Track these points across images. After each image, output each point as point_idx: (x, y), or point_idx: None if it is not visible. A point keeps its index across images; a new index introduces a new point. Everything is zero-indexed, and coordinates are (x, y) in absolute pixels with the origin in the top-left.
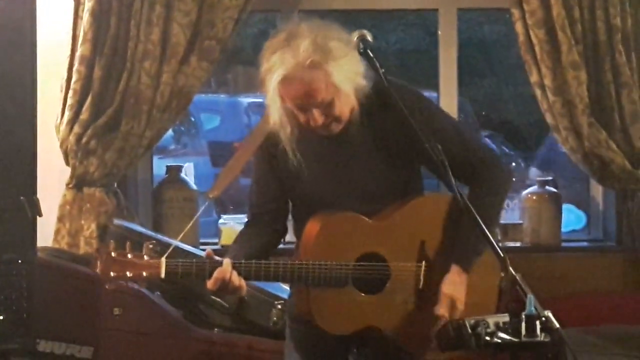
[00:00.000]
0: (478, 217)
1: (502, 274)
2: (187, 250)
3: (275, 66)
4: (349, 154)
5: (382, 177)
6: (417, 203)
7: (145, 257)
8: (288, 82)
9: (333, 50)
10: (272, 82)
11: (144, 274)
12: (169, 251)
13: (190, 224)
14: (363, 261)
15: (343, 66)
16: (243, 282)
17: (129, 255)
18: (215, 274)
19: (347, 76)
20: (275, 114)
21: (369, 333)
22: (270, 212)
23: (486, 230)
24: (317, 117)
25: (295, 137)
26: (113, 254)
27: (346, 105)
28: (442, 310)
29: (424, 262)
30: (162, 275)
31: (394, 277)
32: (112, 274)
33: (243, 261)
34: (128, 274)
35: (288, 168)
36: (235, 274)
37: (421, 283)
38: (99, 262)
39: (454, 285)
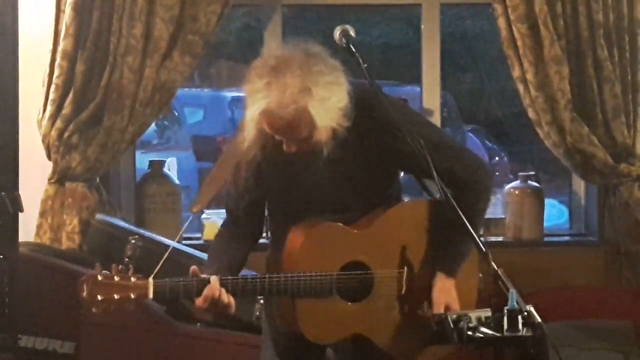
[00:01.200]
0: (462, 216)
1: (481, 275)
2: (183, 251)
3: (259, 95)
4: (326, 166)
5: (359, 186)
6: (397, 210)
7: (132, 279)
8: (269, 114)
9: (320, 92)
10: (254, 108)
11: (132, 295)
12: (158, 268)
13: (176, 239)
14: (347, 270)
15: (327, 107)
16: (232, 300)
17: (116, 278)
18: (205, 291)
19: (330, 116)
20: (249, 138)
21: (354, 340)
22: (249, 216)
23: (469, 226)
24: (291, 147)
25: (256, 160)
26: (99, 278)
27: (322, 136)
28: (438, 312)
29: (405, 268)
30: (150, 296)
31: (377, 284)
32: (99, 297)
33: (230, 277)
34: (115, 296)
35: (268, 179)
36: (223, 291)
37: (403, 289)
38: (85, 287)
39: (445, 291)
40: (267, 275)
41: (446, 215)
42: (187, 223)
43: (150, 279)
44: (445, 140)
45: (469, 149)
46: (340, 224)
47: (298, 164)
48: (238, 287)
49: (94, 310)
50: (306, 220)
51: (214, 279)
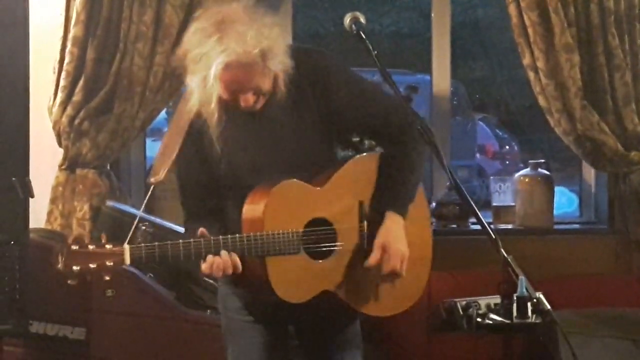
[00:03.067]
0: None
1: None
2: (174, 230)
3: (215, 51)
4: (273, 129)
5: (306, 146)
6: (351, 165)
7: (107, 246)
8: (230, 67)
9: (271, 36)
10: (213, 67)
11: (108, 263)
12: (129, 235)
13: (143, 205)
14: (311, 227)
15: (276, 50)
16: (237, 260)
17: (90, 247)
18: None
19: (280, 59)
20: (210, 100)
21: (321, 297)
22: (210, 209)
23: (476, 210)
24: (250, 98)
25: (222, 121)
26: (74, 247)
27: (272, 81)
28: (371, 260)
29: (365, 222)
30: (127, 262)
31: (340, 240)
32: (74, 268)
33: (228, 236)
34: (91, 265)
35: (215, 152)
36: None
37: (365, 242)
38: (59, 258)
39: (388, 232)
40: (245, 235)
41: (390, 161)
42: (149, 194)
43: (126, 245)
44: (376, 95)
45: (397, 104)
46: (302, 182)
47: (251, 124)
48: (219, 248)
49: (69, 282)
50: (260, 186)
51: (201, 231)
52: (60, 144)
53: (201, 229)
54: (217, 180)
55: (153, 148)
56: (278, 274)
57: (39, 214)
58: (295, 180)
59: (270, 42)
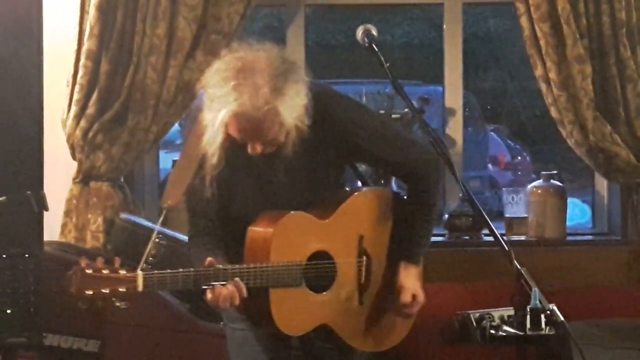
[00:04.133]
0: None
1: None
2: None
3: (228, 98)
4: (280, 167)
5: (316, 181)
6: (355, 199)
7: (121, 271)
8: (238, 118)
9: (288, 92)
10: (222, 113)
11: (121, 289)
12: (142, 261)
13: (158, 224)
14: (313, 260)
15: (294, 106)
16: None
17: (104, 271)
18: (225, 290)
19: (294, 115)
20: (214, 141)
21: (318, 331)
22: (218, 220)
23: (489, 221)
24: (257, 147)
25: (221, 166)
26: (87, 271)
27: (284, 134)
28: (406, 298)
29: (364, 257)
30: (140, 288)
31: (340, 273)
32: (87, 292)
33: (236, 265)
34: (103, 290)
35: (231, 181)
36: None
37: (363, 277)
38: (72, 281)
39: (412, 277)
40: (252, 266)
41: (405, 204)
42: (161, 218)
43: (140, 271)
44: (397, 134)
45: (420, 142)
46: (307, 214)
47: (259, 165)
48: (227, 277)
49: (80, 305)
50: (266, 213)
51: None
52: (74, 157)
53: (209, 259)
54: (220, 209)
55: (166, 160)
56: (280, 306)
57: (53, 227)
58: (302, 212)
59: (287, 100)
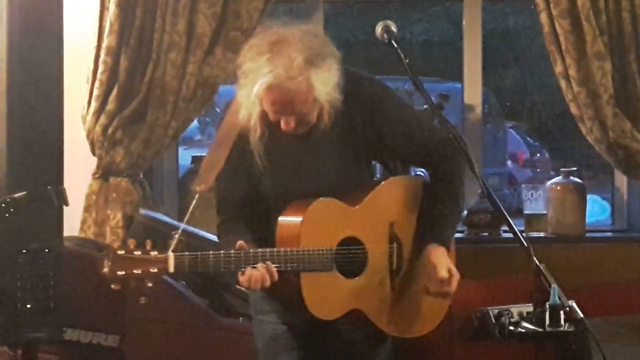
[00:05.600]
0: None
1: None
2: (208, 239)
3: (262, 70)
4: (313, 151)
5: (343, 169)
6: (385, 186)
7: (152, 253)
8: (273, 89)
9: (322, 66)
10: (257, 85)
11: (152, 270)
12: (174, 243)
13: (187, 216)
14: (343, 246)
15: (326, 81)
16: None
17: (136, 252)
18: (255, 272)
19: (327, 90)
20: (252, 116)
21: (350, 315)
22: (249, 200)
23: (508, 218)
24: (290, 122)
25: (265, 138)
26: (120, 252)
27: (316, 111)
28: (443, 272)
29: (395, 243)
30: (171, 269)
31: (371, 259)
32: (119, 273)
33: (267, 249)
34: (136, 271)
35: (256, 165)
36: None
37: (394, 264)
38: (105, 262)
39: (443, 256)
40: (282, 250)
41: (432, 190)
42: (194, 201)
43: (171, 253)
44: (423, 118)
45: (444, 133)
46: (338, 200)
47: (291, 148)
48: (257, 261)
49: (113, 286)
50: (295, 202)
51: (242, 245)
52: (93, 153)
53: (240, 242)
54: (255, 191)
55: (185, 156)
56: (311, 290)
57: (72, 222)
58: (331, 198)
59: (320, 73)
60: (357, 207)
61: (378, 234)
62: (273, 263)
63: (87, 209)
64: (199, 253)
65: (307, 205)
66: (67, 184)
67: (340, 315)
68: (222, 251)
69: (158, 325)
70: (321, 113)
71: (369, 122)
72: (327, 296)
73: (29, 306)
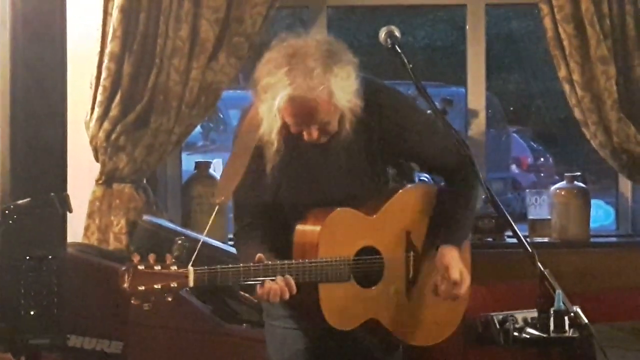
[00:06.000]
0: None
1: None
2: (214, 246)
3: (282, 83)
4: (331, 159)
5: (360, 176)
6: (402, 195)
7: (173, 267)
8: (294, 101)
9: (341, 73)
10: (277, 98)
11: (172, 284)
12: (194, 256)
13: (207, 227)
14: (360, 255)
15: (346, 88)
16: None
17: (156, 267)
18: (274, 284)
19: (348, 98)
20: (271, 130)
21: (367, 325)
22: (270, 210)
23: (512, 223)
24: (314, 132)
25: (281, 151)
26: (140, 267)
27: (337, 119)
28: (456, 274)
29: (412, 252)
30: (191, 284)
31: (387, 268)
32: (139, 288)
33: (285, 261)
34: (156, 286)
35: (273, 175)
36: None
37: (411, 273)
38: (126, 277)
39: (455, 258)
40: (301, 261)
41: (444, 196)
42: (213, 214)
43: (191, 267)
44: (439, 126)
45: (459, 141)
46: (355, 210)
47: (311, 158)
48: (276, 273)
49: (133, 301)
50: (313, 211)
51: (259, 256)
52: (97, 159)
53: (259, 255)
54: (273, 200)
55: (189, 162)
56: (329, 300)
57: (76, 228)
58: (349, 208)
59: (340, 81)
60: (374, 216)
61: (395, 243)
62: (292, 275)
63: (90, 215)
64: (218, 267)
65: (326, 214)
66: (70, 190)
67: (357, 325)
68: (241, 264)
69: (162, 332)
70: (342, 120)
71: (388, 129)
72: (345, 307)
73: (32, 313)
